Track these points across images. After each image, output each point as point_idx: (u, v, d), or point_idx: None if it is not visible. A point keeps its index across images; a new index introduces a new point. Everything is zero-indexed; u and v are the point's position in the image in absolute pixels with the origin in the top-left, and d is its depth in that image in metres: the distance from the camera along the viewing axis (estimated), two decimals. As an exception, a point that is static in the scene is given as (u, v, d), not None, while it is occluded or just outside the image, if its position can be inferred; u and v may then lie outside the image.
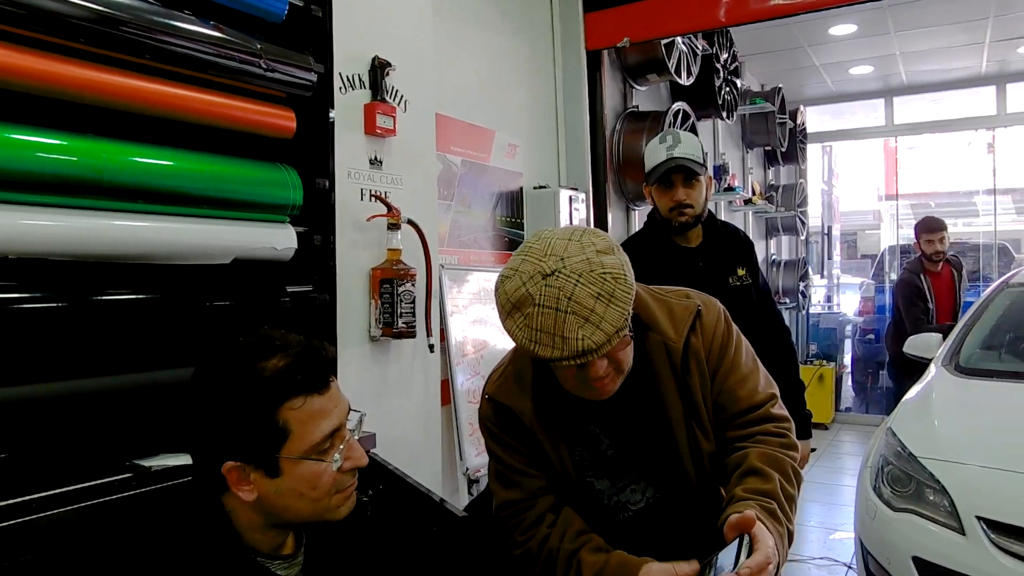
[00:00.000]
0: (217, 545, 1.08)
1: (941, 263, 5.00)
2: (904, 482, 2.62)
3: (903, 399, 3.29)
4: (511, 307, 1.23)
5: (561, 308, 1.18)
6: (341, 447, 1.11)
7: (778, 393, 1.49)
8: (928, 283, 5.00)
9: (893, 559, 2.51)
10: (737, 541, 1.20)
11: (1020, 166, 9.57)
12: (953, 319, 4.77)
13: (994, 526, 2.28)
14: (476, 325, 3.19)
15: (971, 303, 4.18)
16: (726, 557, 1.19)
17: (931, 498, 2.49)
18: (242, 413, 1.05)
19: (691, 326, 1.42)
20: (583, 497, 1.46)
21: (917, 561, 2.41)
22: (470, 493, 2.81)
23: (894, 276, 8.72)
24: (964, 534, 2.33)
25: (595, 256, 1.22)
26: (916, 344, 3.85)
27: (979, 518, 2.32)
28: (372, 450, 1.67)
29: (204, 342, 1.72)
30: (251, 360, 1.07)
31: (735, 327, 1.50)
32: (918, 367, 3.67)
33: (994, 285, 4.14)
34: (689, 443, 1.42)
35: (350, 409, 1.16)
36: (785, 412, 1.48)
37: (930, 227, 4.97)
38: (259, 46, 1.77)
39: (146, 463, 1.54)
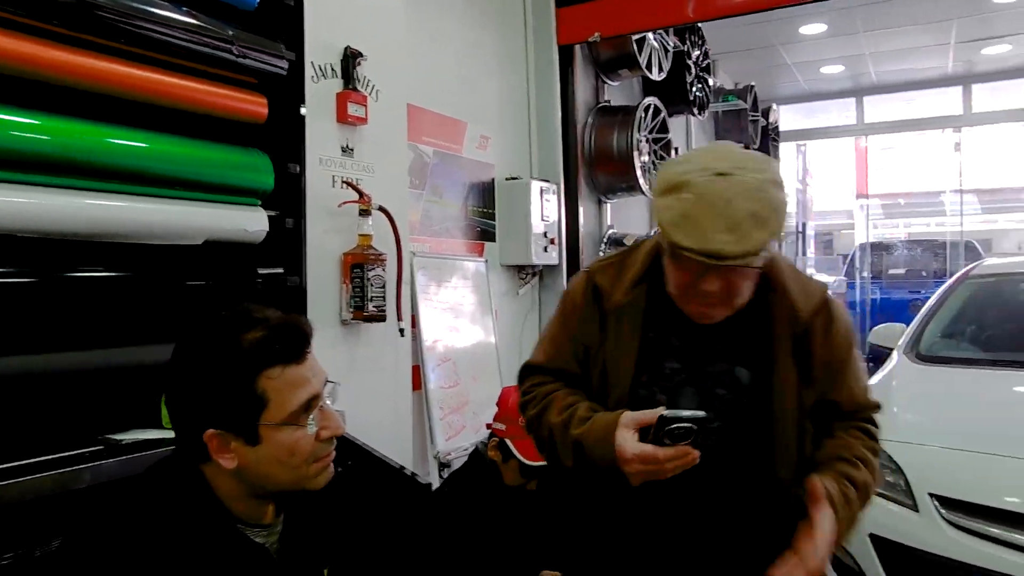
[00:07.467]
0: (198, 511, 1.11)
1: None
2: (863, 464, 2.70)
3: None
4: (670, 186, 1.22)
5: (716, 207, 1.18)
6: (315, 415, 1.16)
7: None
8: None
9: (851, 537, 2.59)
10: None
11: (986, 166, 9.79)
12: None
13: (945, 502, 2.36)
14: (448, 313, 3.24)
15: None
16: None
17: (888, 478, 2.57)
18: (222, 382, 1.08)
19: (819, 305, 1.37)
20: (628, 403, 1.39)
21: (874, 538, 2.49)
22: (441, 476, 2.85)
23: (866, 273, 8.90)
24: (918, 511, 2.42)
25: (767, 182, 1.21)
26: (881, 334, 3.96)
27: (932, 495, 2.40)
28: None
29: (177, 320, 1.76)
30: (231, 332, 1.11)
31: None
32: None
33: (955, 276, 4.26)
34: (798, 407, 1.35)
35: (327, 380, 1.20)
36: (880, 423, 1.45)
37: None
38: (231, 33, 1.81)
39: (117, 437, 1.58)
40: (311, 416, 1.14)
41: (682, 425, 1.20)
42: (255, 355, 1.09)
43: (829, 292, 1.41)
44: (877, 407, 1.44)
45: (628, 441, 1.23)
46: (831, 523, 1.23)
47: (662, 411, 1.22)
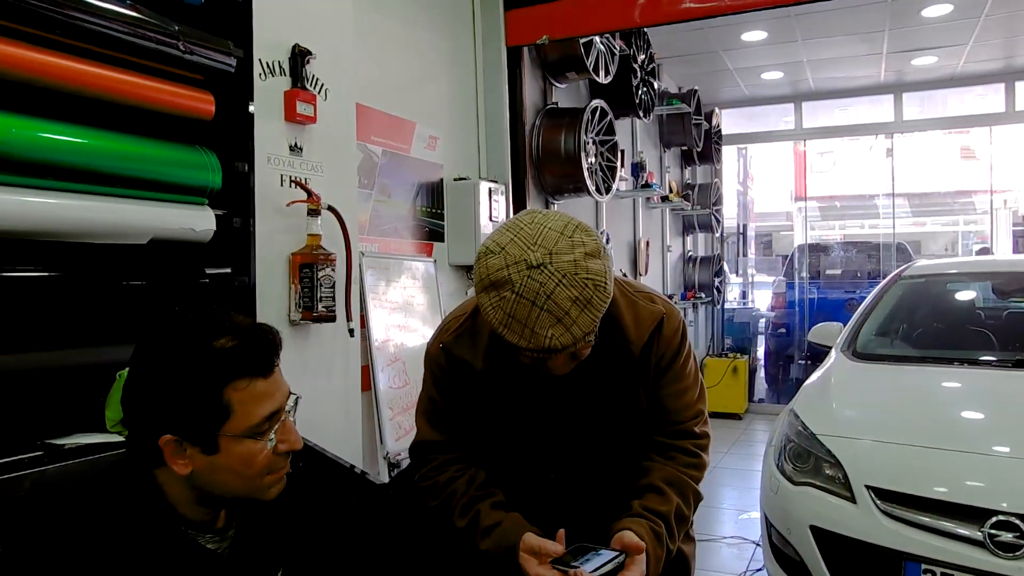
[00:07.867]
0: (148, 516, 1.09)
1: None
2: (804, 458, 2.79)
3: (806, 383, 3.50)
4: (489, 284, 1.23)
5: (538, 303, 1.20)
6: (277, 428, 1.15)
7: (706, 410, 1.57)
8: None
9: (793, 529, 2.67)
10: (613, 555, 1.32)
11: (916, 171, 10.20)
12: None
13: (881, 493, 2.45)
14: (397, 313, 3.23)
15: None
16: (596, 560, 1.31)
17: (827, 472, 2.66)
18: (187, 389, 1.06)
19: (651, 333, 1.45)
20: (510, 451, 1.52)
21: (814, 529, 2.57)
22: (391, 476, 2.84)
23: (804, 274, 9.16)
24: (855, 502, 2.50)
25: (582, 259, 1.22)
26: (819, 333, 4.09)
27: (868, 487, 2.49)
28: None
29: (122, 321, 1.73)
30: (201, 337, 1.09)
31: (689, 340, 1.54)
32: None
33: (888, 278, 4.42)
34: (621, 437, 1.49)
35: (290, 393, 1.19)
36: (707, 430, 1.55)
37: None
38: (177, 28, 1.78)
39: (59, 442, 1.54)
40: (272, 430, 1.14)
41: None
42: (225, 364, 1.08)
43: (664, 314, 1.48)
44: (698, 416, 1.54)
45: (534, 568, 1.35)
46: (642, 566, 1.34)
47: (560, 546, 1.36)
